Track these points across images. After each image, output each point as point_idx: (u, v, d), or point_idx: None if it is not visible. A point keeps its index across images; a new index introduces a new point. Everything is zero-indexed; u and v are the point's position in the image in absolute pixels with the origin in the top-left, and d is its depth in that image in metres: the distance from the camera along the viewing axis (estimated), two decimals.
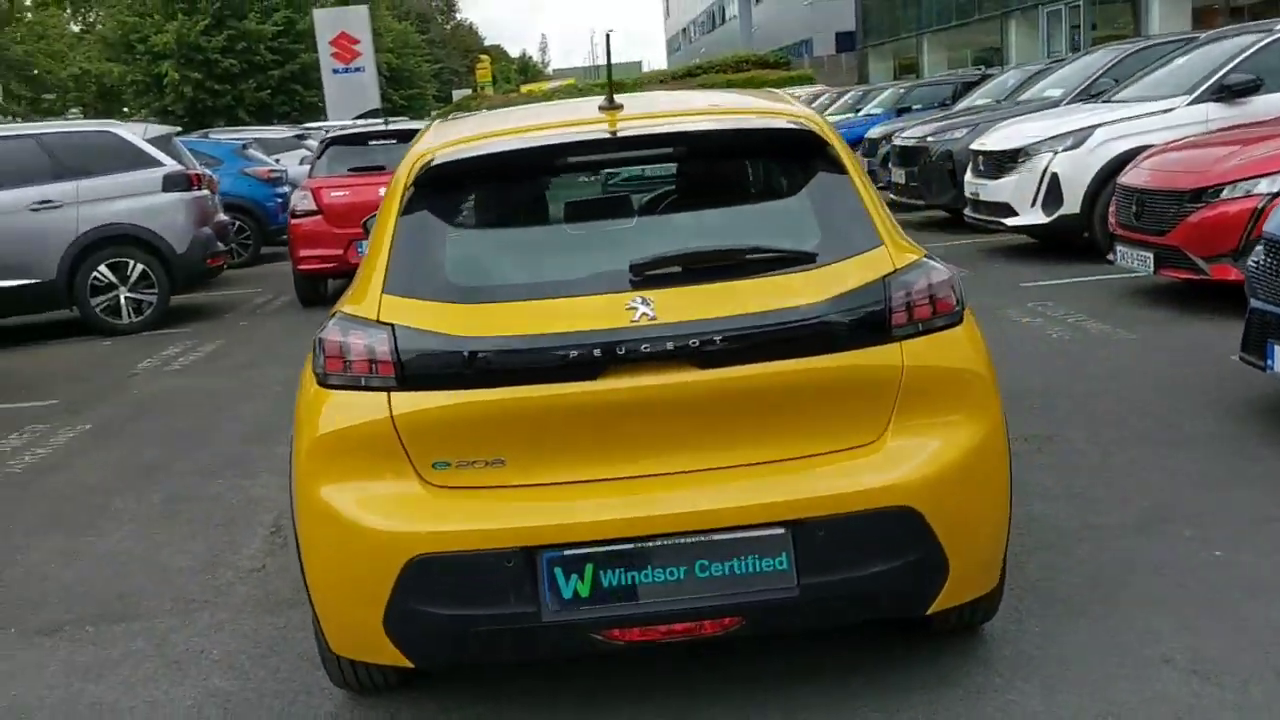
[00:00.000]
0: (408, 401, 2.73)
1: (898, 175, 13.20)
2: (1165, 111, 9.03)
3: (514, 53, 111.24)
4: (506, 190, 3.20)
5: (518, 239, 3.12)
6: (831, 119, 21.49)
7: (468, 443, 2.74)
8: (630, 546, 2.69)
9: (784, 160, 3.19)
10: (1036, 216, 9.59)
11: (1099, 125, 9.40)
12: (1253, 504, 4.10)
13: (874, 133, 15.63)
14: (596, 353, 2.67)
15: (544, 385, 2.70)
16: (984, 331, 3.04)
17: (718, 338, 2.69)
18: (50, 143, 9.71)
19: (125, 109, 39.29)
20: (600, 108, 3.26)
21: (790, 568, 2.70)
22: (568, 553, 2.68)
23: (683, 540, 2.70)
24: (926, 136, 12.74)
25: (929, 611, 2.88)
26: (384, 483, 2.76)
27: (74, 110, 42.51)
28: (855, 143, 16.87)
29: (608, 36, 3.56)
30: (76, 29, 47.49)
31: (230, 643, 3.64)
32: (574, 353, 2.67)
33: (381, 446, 2.75)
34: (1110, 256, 7.93)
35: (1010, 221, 9.84)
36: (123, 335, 9.71)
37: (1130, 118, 9.36)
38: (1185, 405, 5.32)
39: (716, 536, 2.70)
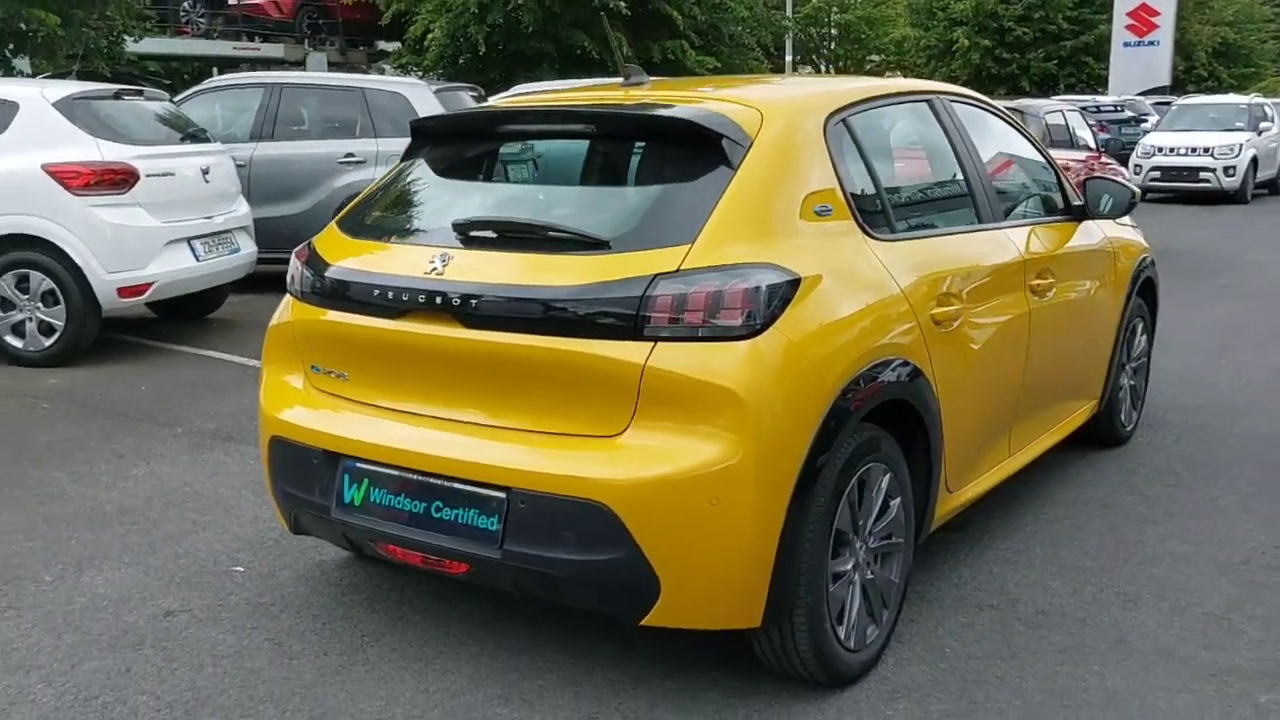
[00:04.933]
0: (298, 311, 3.34)
1: None
2: None
3: None
4: (462, 147, 3.54)
5: (426, 188, 3.47)
6: None
7: (324, 354, 3.27)
8: (394, 473, 3.02)
9: (683, 148, 3.09)
10: None
11: None
12: None
13: None
14: (390, 296, 3.01)
15: (364, 316, 3.11)
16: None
17: (474, 301, 2.86)
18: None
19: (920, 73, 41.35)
20: (621, 85, 3.47)
21: (499, 530, 2.81)
22: (357, 464, 3.10)
23: (430, 480, 2.95)
24: None
25: (642, 623, 2.77)
26: (289, 374, 3.43)
27: (892, 71, 45.68)
28: None
29: None
30: None
31: None
32: (375, 292, 3.04)
33: (289, 344, 3.39)
34: None
35: None
36: None
37: None
38: None
39: (455, 485, 2.91)
